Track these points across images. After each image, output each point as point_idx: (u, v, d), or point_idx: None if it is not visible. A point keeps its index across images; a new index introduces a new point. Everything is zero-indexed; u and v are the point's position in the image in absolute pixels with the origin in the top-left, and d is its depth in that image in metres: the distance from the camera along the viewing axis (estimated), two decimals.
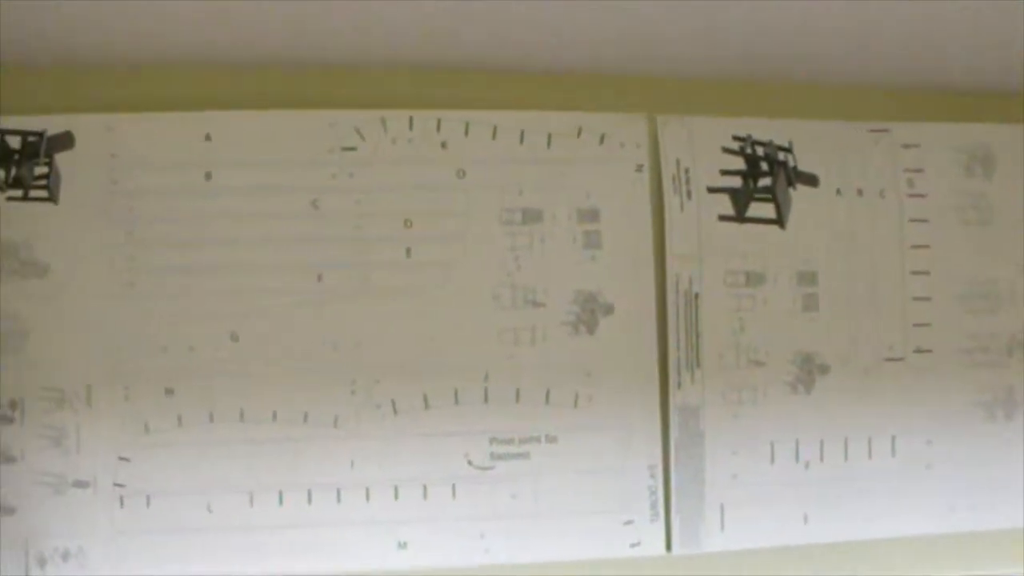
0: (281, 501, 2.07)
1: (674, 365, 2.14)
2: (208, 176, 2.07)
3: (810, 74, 2.17)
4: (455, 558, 2.10)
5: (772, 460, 2.16)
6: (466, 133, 2.11)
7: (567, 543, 2.12)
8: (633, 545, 2.12)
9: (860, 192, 2.23)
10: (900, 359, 2.21)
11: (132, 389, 2.06)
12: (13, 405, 2.04)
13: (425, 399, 2.09)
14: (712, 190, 2.17)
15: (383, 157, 2.10)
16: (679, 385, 2.14)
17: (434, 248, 2.10)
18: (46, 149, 2.06)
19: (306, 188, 2.08)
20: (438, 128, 2.11)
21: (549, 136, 2.13)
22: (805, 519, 2.16)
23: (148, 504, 2.06)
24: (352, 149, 2.09)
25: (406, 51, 2.03)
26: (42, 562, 2.04)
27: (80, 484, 2.05)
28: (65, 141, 2.07)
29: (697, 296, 2.15)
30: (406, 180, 2.10)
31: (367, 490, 2.08)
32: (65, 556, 2.04)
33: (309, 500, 2.07)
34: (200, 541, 2.07)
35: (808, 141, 2.22)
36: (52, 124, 2.08)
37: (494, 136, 2.12)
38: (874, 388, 2.20)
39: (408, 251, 2.08)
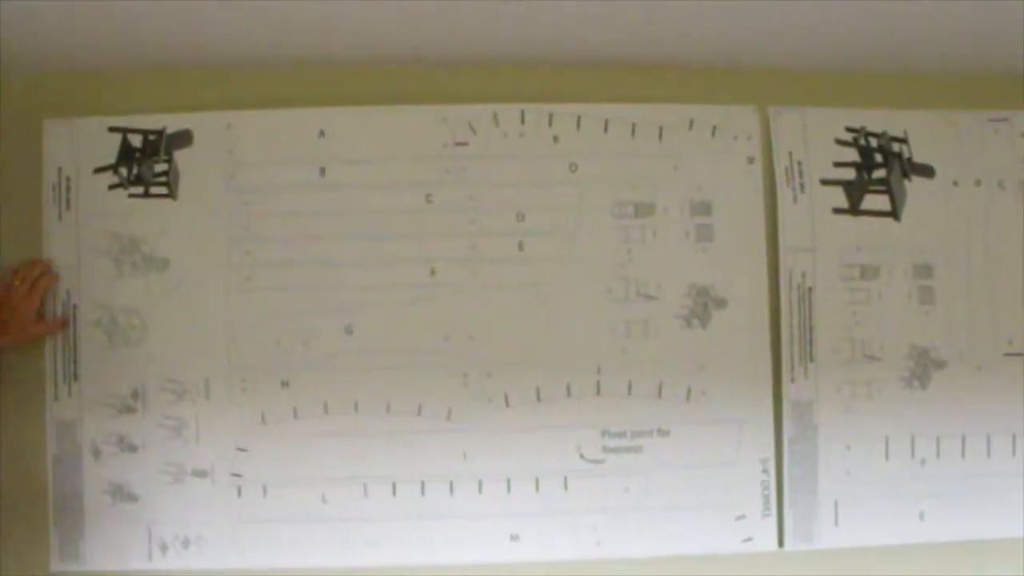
0: (395, 492, 2.08)
1: (787, 359, 2.12)
2: (322, 172, 2.09)
3: (926, 63, 2.12)
4: (567, 551, 2.10)
5: (887, 456, 2.12)
6: (578, 127, 2.11)
7: (679, 537, 2.11)
8: (745, 540, 2.10)
9: (978, 183, 2.18)
10: (1020, 354, 2.16)
11: (249, 381, 2.09)
12: (135, 396, 2.09)
13: (537, 392, 2.09)
14: (825, 182, 2.14)
15: (495, 151, 2.10)
16: (792, 379, 2.11)
17: (546, 242, 2.09)
18: (166, 147, 2.10)
19: (419, 183, 2.09)
20: (550, 122, 2.10)
21: (661, 129, 2.12)
22: (921, 517, 2.12)
23: (264, 494, 2.08)
24: (464, 144, 2.10)
25: (517, 46, 2.03)
26: (164, 548, 2.08)
27: (199, 473, 2.08)
28: (184, 139, 2.11)
29: (810, 290, 2.13)
30: (518, 174, 2.10)
31: (479, 482, 2.08)
32: (185, 543, 2.08)
33: (422, 492, 2.08)
34: (315, 531, 2.09)
35: (923, 131, 2.18)
36: (172, 122, 2.11)
37: (606, 129, 2.12)
38: (992, 384, 2.15)
39: (520, 245, 2.08)
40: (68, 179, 2.09)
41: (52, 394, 2.10)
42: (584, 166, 2.08)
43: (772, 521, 2.10)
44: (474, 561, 2.07)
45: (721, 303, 2.09)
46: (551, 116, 2.08)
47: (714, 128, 2.11)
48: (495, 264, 2.06)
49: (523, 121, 2.08)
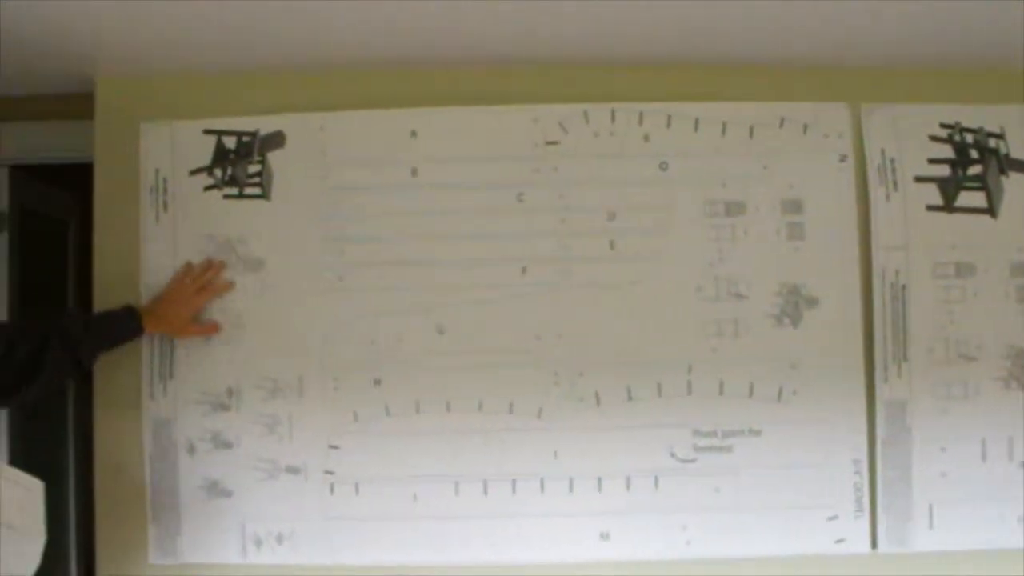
0: (485, 491, 2.09)
1: (880, 359, 2.10)
2: (414, 172, 2.11)
3: (1021, 57, 2.08)
4: (657, 550, 2.10)
5: (984, 458, 2.09)
6: (668, 125, 2.10)
7: (770, 538, 2.09)
8: (838, 542, 2.09)
9: None
10: None
11: (342, 380, 2.11)
12: (230, 394, 2.12)
13: (628, 391, 2.09)
14: (919, 179, 2.12)
15: (586, 151, 2.10)
16: (885, 379, 2.09)
17: (637, 241, 2.09)
18: (259, 148, 2.13)
19: (510, 183, 2.10)
20: (640, 121, 2.10)
21: (751, 127, 2.11)
22: (1020, 520, 2.07)
23: (356, 491, 2.10)
24: (555, 143, 2.10)
25: (608, 46, 2.03)
26: (258, 543, 2.11)
27: (292, 470, 2.11)
28: (277, 140, 2.14)
29: (904, 288, 2.10)
30: (609, 173, 2.10)
31: (570, 481, 2.08)
32: (279, 539, 2.11)
33: (513, 490, 2.09)
34: (406, 529, 2.11)
35: (1021, 127, 2.13)
36: (265, 124, 2.14)
37: (696, 128, 2.11)
38: None
39: (611, 244, 2.08)
40: (165, 180, 2.13)
41: (148, 392, 2.14)
42: (674, 165, 2.07)
43: (865, 522, 2.08)
44: (564, 559, 2.08)
45: (813, 302, 2.07)
46: (641, 115, 2.08)
47: (805, 126, 2.09)
48: (586, 263, 2.06)
49: (613, 120, 2.08)
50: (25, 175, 2.81)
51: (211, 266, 2.09)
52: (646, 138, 2.07)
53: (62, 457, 3.09)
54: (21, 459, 2.83)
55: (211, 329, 2.11)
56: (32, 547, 1.68)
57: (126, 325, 2.04)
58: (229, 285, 2.10)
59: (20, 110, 2.56)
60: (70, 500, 3.08)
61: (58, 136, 2.59)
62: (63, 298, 3.20)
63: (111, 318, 2.01)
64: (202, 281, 2.06)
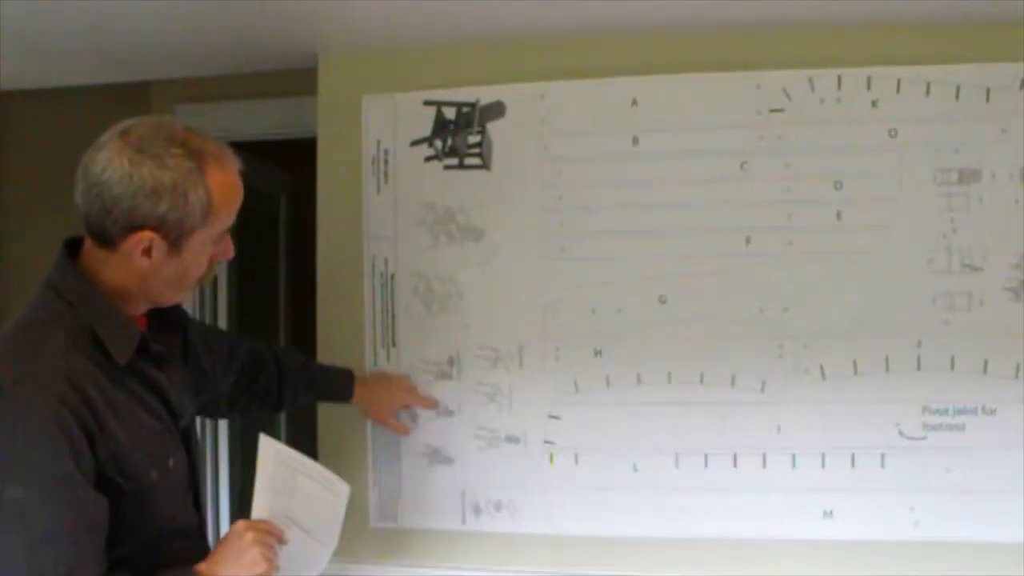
0: (706, 464, 2.06)
1: None
2: (635, 141, 2.09)
3: None
4: (882, 531, 2.03)
5: None
6: (898, 90, 2.02)
7: (1004, 523, 2.01)
8: None
9: None
10: None
11: (562, 350, 2.11)
12: (451, 362, 2.14)
13: (854, 365, 2.02)
14: None
15: (811, 118, 2.04)
16: None
17: (865, 210, 2.03)
18: (479, 118, 2.14)
19: (733, 151, 2.06)
20: (868, 86, 2.03)
21: (988, 90, 2.01)
22: None
23: (576, 462, 2.10)
24: (779, 110, 2.05)
25: (834, 8, 1.96)
26: (477, 511, 2.13)
27: (512, 439, 2.12)
28: (497, 110, 2.14)
29: None
30: (835, 141, 2.04)
31: (793, 456, 2.04)
32: (498, 507, 2.12)
33: (734, 464, 2.06)
34: (626, 500, 2.10)
35: None
36: (485, 94, 2.14)
37: (928, 92, 2.03)
38: None
39: (838, 214, 2.03)
40: (386, 152, 2.16)
41: (372, 360, 2.17)
42: (904, 131, 2.00)
43: None
44: (785, 536, 2.04)
45: None
46: (869, 80, 2.01)
47: None
48: (811, 233, 2.01)
49: (840, 86, 2.01)
50: (243, 152, 2.89)
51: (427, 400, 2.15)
52: (874, 104, 2.00)
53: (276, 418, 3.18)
54: (240, 420, 2.92)
55: (404, 430, 2.16)
56: (321, 553, 1.67)
57: (339, 386, 2.08)
58: (435, 402, 2.16)
59: (241, 88, 2.64)
60: None
61: (276, 113, 2.67)
62: (275, 272, 3.31)
63: (328, 373, 2.07)
64: (417, 397, 2.14)
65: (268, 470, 1.57)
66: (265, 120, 2.81)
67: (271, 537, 1.50)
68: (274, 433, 3.11)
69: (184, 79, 2.69)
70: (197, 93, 2.85)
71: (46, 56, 2.23)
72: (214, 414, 2.18)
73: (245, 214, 2.91)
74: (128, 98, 2.67)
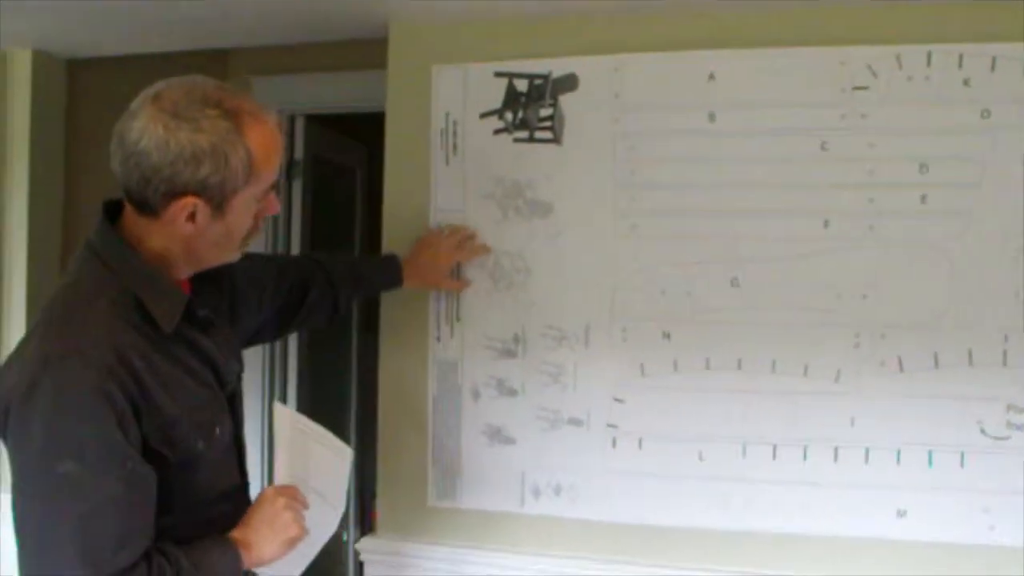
0: (775, 455, 1.99)
1: None
2: (711, 117, 2.01)
3: None
4: (955, 533, 1.95)
5: None
6: (992, 69, 1.92)
7: None
8: None
9: None
10: None
11: (629, 331, 2.04)
12: (516, 340, 2.09)
13: (935, 358, 1.93)
14: None
15: (898, 96, 1.94)
16: None
17: (952, 195, 1.92)
18: (551, 91, 2.08)
19: (814, 130, 1.97)
20: (960, 64, 1.92)
21: None
22: None
23: (640, 446, 2.04)
24: (864, 88, 1.96)
25: None
26: (536, 493, 2.08)
27: (575, 421, 2.06)
28: (570, 83, 2.08)
29: None
30: (923, 121, 1.94)
31: (866, 451, 1.95)
32: (557, 490, 2.07)
33: (804, 456, 1.97)
34: (689, 488, 2.04)
35: None
36: (557, 67, 2.08)
37: None
38: None
39: (923, 198, 1.93)
40: (455, 124, 2.12)
41: (435, 335, 2.14)
42: (998, 112, 1.89)
43: None
44: (856, 534, 1.96)
45: None
46: (961, 57, 1.90)
47: None
48: (894, 218, 1.91)
49: (929, 63, 1.91)
50: (318, 124, 2.90)
51: (461, 229, 2.07)
52: (966, 83, 1.89)
53: (346, 388, 3.20)
54: (308, 389, 2.93)
55: (462, 286, 2.11)
56: (332, 516, 1.66)
57: (389, 274, 2.05)
58: (487, 248, 2.08)
59: (314, 61, 2.62)
60: (351, 432, 3.19)
61: (352, 87, 2.64)
62: (351, 246, 3.31)
63: (374, 265, 2.03)
64: (458, 237, 2.04)
65: (286, 436, 1.58)
66: (341, 93, 2.80)
67: (297, 502, 1.48)
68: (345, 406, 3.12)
69: (260, 49, 2.67)
70: (273, 64, 2.84)
71: (119, 23, 2.22)
72: (275, 336, 2.16)
73: (322, 188, 2.92)
74: (205, 68, 2.65)
